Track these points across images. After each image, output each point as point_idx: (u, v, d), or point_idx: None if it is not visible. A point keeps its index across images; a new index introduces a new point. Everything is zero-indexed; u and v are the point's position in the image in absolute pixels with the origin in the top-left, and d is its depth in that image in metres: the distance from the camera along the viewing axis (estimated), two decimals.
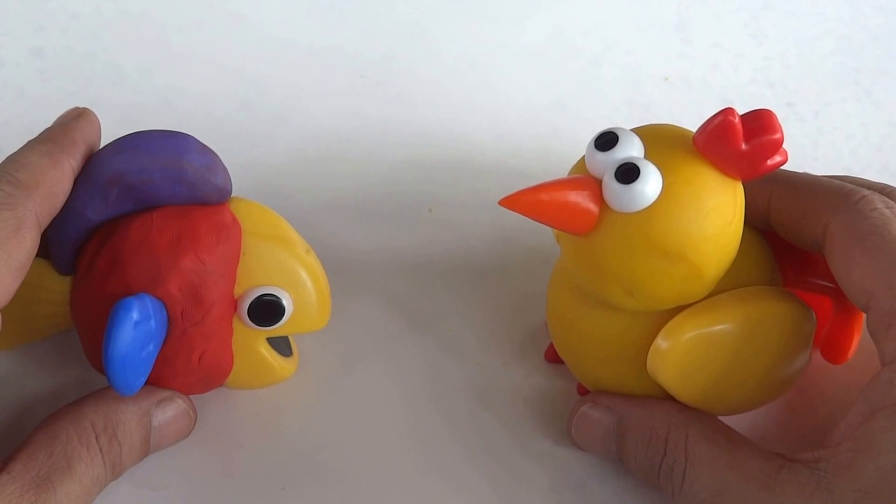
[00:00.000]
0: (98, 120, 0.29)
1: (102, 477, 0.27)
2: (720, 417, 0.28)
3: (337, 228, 0.35)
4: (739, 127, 0.24)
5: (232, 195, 0.29)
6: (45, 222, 0.27)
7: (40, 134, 0.28)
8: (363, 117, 0.38)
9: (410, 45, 0.41)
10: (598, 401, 0.29)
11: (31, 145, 0.27)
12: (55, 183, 0.27)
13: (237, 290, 0.28)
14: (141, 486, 0.29)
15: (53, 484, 0.26)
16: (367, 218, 0.36)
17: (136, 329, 0.26)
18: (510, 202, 0.24)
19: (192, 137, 0.28)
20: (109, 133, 0.29)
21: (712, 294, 0.26)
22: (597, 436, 0.29)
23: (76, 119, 0.28)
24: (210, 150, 0.28)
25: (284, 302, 0.28)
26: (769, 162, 0.25)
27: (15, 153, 0.27)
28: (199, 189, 0.27)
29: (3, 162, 0.27)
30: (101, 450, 0.27)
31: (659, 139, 0.25)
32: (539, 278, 0.32)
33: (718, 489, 0.26)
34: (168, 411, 0.28)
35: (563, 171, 0.26)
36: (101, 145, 0.28)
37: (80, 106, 0.29)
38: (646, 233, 0.24)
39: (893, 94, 0.40)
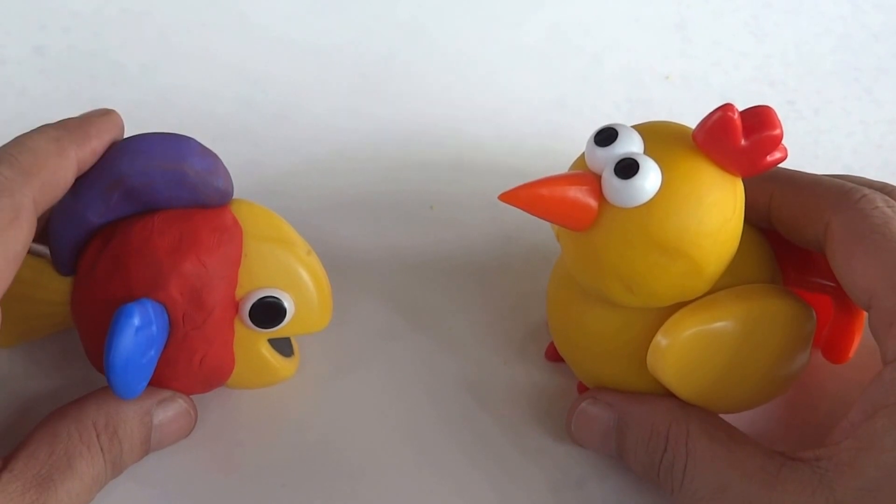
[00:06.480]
0: (122, 124, 0.28)
1: (103, 475, 0.27)
2: (721, 416, 0.28)
3: (338, 227, 0.35)
4: (738, 123, 0.24)
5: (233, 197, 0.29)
6: (44, 209, 0.26)
7: (57, 121, 0.27)
8: (364, 116, 0.38)
9: (410, 44, 0.41)
10: (599, 397, 0.29)
11: (42, 129, 0.27)
12: (57, 170, 0.26)
13: (238, 293, 0.28)
14: (142, 484, 0.29)
15: (54, 482, 0.26)
16: (367, 216, 0.36)
17: (137, 335, 0.25)
18: (510, 197, 0.24)
19: (194, 140, 0.27)
20: None
21: (712, 292, 0.26)
22: (597, 432, 0.29)
23: (98, 116, 0.28)
24: (211, 152, 0.27)
25: (286, 304, 0.28)
26: (769, 158, 0.25)
27: (23, 135, 0.26)
28: (201, 192, 0.27)
29: (10, 142, 0.26)
30: (101, 448, 0.27)
31: (658, 135, 0.25)
32: (540, 276, 0.32)
33: (719, 486, 0.26)
34: (169, 411, 0.28)
35: (563, 169, 0.26)
36: None
37: (106, 108, 0.28)
38: (645, 228, 0.24)
39: (894, 92, 0.40)
